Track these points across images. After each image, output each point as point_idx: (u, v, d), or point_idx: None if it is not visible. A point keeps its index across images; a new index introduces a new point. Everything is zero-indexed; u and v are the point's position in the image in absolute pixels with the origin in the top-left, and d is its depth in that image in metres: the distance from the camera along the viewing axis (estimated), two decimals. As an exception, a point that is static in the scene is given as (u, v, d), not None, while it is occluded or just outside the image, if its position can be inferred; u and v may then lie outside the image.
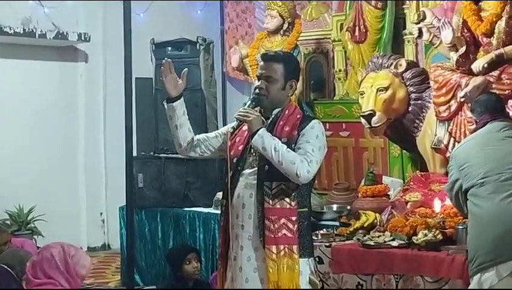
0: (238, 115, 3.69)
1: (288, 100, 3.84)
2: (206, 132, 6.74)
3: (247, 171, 3.74)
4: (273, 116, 3.77)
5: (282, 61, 3.79)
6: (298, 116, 3.76)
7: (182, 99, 3.84)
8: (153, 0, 8.36)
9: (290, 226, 3.64)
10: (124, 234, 6.62)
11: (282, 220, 3.63)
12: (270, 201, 3.64)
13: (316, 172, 3.69)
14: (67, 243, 3.75)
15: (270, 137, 3.62)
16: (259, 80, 3.78)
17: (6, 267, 4.73)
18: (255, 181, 3.68)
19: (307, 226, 3.74)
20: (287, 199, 3.66)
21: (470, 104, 4.76)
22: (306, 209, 3.74)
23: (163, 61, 3.83)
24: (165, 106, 3.83)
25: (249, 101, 3.77)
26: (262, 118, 3.71)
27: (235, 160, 3.77)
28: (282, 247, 3.62)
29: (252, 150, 3.72)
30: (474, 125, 4.49)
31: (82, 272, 3.68)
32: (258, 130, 3.62)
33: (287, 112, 3.76)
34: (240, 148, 3.78)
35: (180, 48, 6.89)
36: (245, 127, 3.76)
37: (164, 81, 3.80)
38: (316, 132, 3.71)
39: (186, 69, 3.87)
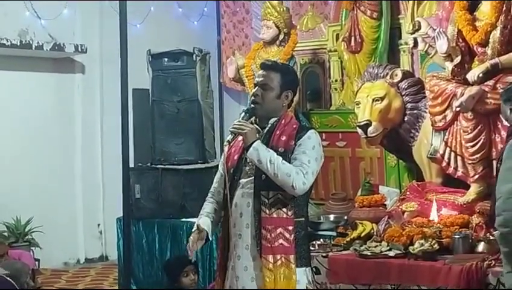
0: (233, 128, 3.70)
1: (284, 111, 3.84)
2: (203, 143, 6.91)
3: (243, 180, 3.74)
4: (269, 125, 3.78)
5: (279, 71, 3.83)
6: (294, 126, 3.78)
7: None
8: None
9: (287, 235, 3.65)
10: (122, 245, 6.62)
11: (279, 230, 3.64)
12: (267, 210, 3.65)
13: (313, 183, 3.70)
14: None
15: (265, 149, 3.64)
16: (255, 87, 3.82)
17: (8, 278, 4.74)
18: (252, 190, 3.70)
19: (303, 236, 3.74)
20: (284, 209, 3.66)
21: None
22: (303, 218, 3.75)
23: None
24: None
25: (243, 113, 3.78)
26: (257, 127, 3.74)
27: (231, 170, 3.77)
28: (279, 256, 3.63)
29: (248, 159, 3.73)
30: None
31: None
32: (252, 143, 3.63)
33: (283, 122, 3.78)
34: (236, 157, 3.79)
35: (177, 59, 6.90)
36: (240, 137, 3.77)
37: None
38: (312, 142, 3.72)
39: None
